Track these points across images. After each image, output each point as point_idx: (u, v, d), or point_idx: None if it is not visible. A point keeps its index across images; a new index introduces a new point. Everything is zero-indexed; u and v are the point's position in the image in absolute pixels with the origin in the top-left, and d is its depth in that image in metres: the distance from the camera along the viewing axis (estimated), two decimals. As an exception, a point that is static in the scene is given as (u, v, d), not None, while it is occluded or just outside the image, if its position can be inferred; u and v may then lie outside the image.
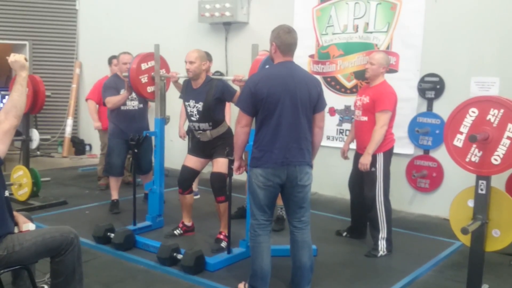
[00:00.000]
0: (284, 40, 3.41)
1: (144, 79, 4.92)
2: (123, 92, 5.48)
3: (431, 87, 5.69)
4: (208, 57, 5.51)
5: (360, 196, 4.65)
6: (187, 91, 4.57)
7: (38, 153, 8.88)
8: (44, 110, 6.55)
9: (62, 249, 2.92)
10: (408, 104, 5.82)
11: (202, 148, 4.62)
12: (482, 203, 3.30)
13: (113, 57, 6.63)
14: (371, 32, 6.08)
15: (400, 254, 4.51)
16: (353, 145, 4.80)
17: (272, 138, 3.37)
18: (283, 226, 5.04)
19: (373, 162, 4.37)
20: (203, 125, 4.49)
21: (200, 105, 4.43)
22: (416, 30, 5.76)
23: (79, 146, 9.29)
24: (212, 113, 4.42)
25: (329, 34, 6.40)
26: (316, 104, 3.48)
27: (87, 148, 9.39)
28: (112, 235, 4.49)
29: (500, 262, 4.29)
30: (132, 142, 4.81)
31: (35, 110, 5.81)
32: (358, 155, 4.60)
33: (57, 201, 5.96)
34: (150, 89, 4.99)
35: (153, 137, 5.13)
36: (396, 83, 5.80)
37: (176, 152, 7.35)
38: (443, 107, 5.54)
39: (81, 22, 9.27)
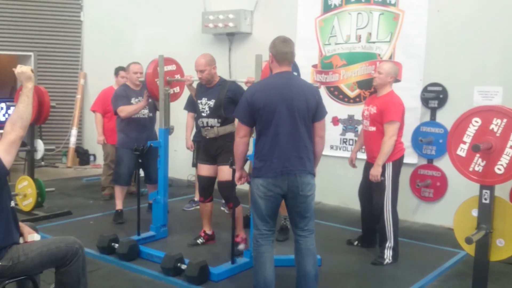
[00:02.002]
0: (279, 49, 3.46)
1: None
2: (134, 101, 5.53)
3: (434, 97, 5.70)
4: None
5: (370, 206, 4.67)
6: (201, 91, 4.69)
7: (43, 163, 8.92)
8: (48, 120, 6.58)
9: (67, 259, 2.93)
10: (412, 114, 5.82)
11: (208, 149, 4.65)
12: (486, 213, 3.30)
13: (120, 68, 6.66)
14: (374, 42, 6.11)
15: (405, 263, 4.49)
16: (363, 155, 4.80)
17: (270, 147, 3.39)
18: (287, 236, 5.04)
19: (382, 171, 4.39)
20: (212, 121, 4.55)
21: (212, 102, 4.53)
22: (419, 40, 5.79)
23: (83, 156, 9.32)
24: (222, 111, 4.50)
25: (332, 44, 6.43)
26: (315, 113, 3.48)
27: (91, 158, 9.42)
28: (116, 245, 4.50)
29: (505, 272, 4.27)
30: (136, 152, 4.84)
31: (40, 121, 5.85)
32: (368, 165, 4.62)
33: (61, 211, 5.96)
34: None
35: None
36: (399, 92, 5.79)
37: (180, 162, 7.38)
38: (447, 117, 5.54)
39: (85, 33, 9.35)
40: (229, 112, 4.47)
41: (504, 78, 5.24)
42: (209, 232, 4.92)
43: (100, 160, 9.04)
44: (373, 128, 4.47)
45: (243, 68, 7.12)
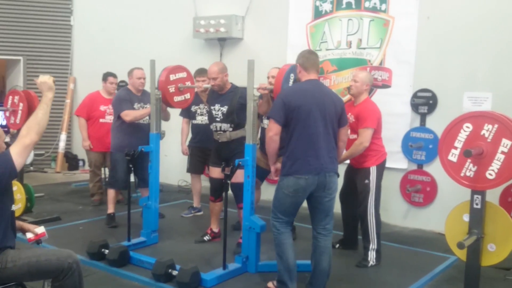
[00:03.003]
0: (307, 57, 3.81)
1: (171, 89, 5.05)
2: (136, 106, 5.53)
3: (424, 102, 5.74)
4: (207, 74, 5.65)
5: (351, 208, 4.79)
6: (213, 97, 4.84)
7: (31, 168, 8.83)
8: (38, 125, 6.53)
9: (59, 274, 2.88)
10: (402, 119, 5.87)
11: (220, 152, 4.78)
12: (478, 218, 3.32)
13: (109, 74, 6.57)
14: (364, 48, 6.14)
15: (396, 268, 4.51)
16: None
17: (305, 147, 3.63)
18: (295, 235, 5.15)
19: (367, 175, 4.48)
20: (225, 126, 4.72)
21: (224, 108, 4.70)
22: (409, 46, 5.83)
23: (72, 162, 9.25)
24: (235, 116, 4.65)
25: (323, 50, 6.45)
26: (340, 118, 3.79)
27: (81, 163, 9.34)
28: (107, 251, 4.46)
29: (495, 277, 4.28)
30: (127, 157, 4.81)
31: (30, 126, 5.79)
32: (349, 169, 4.73)
33: (50, 216, 5.91)
34: (176, 98, 5.10)
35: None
36: (389, 98, 5.91)
37: (170, 167, 7.35)
38: (436, 122, 5.59)
39: (75, 38, 9.29)
40: (241, 118, 4.58)
41: (493, 84, 5.29)
42: (215, 230, 5.09)
43: (90, 165, 9.03)
44: (354, 136, 4.54)
45: (234, 73, 7.07)
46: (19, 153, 2.77)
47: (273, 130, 3.69)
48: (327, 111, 3.67)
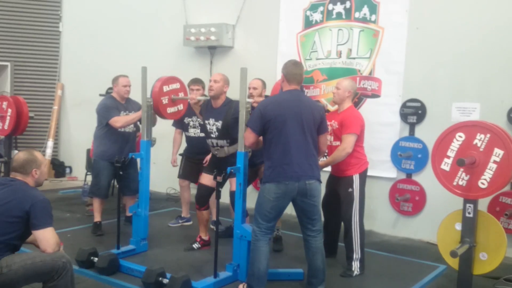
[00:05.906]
0: (290, 70, 3.92)
1: (165, 100, 5.02)
2: (122, 114, 5.49)
3: (413, 112, 5.79)
4: (201, 83, 5.66)
5: (334, 217, 4.79)
6: (207, 110, 4.81)
7: (17, 175, 8.70)
8: (25, 131, 6.44)
9: (54, 274, 2.87)
10: (391, 129, 5.92)
11: (218, 165, 4.70)
12: (470, 226, 3.35)
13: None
14: (354, 58, 6.19)
15: (385, 277, 4.51)
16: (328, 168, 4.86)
17: (281, 155, 3.76)
18: (282, 245, 5.17)
19: (350, 183, 4.49)
20: (221, 142, 4.70)
21: (219, 123, 4.67)
22: (398, 57, 5.88)
23: (59, 169, 9.13)
24: (230, 131, 4.62)
25: (313, 59, 6.49)
26: (319, 126, 3.89)
27: (67, 170, 9.24)
28: (96, 259, 4.41)
29: (484, 286, 4.30)
30: (117, 164, 4.77)
31: (18, 131, 5.74)
32: (332, 178, 4.73)
33: (37, 224, 5.82)
34: (169, 110, 5.08)
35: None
36: (378, 108, 5.96)
37: (158, 175, 7.29)
38: (425, 132, 5.65)
39: (64, 44, 9.21)
40: (236, 132, 4.50)
41: (481, 95, 5.35)
42: (205, 238, 5.06)
43: (76, 173, 8.92)
44: (337, 143, 4.56)
45: (224, 82, 7.10)
46: None
47: (249, 139, 3.90)
48: (304, 120, 3.79)
